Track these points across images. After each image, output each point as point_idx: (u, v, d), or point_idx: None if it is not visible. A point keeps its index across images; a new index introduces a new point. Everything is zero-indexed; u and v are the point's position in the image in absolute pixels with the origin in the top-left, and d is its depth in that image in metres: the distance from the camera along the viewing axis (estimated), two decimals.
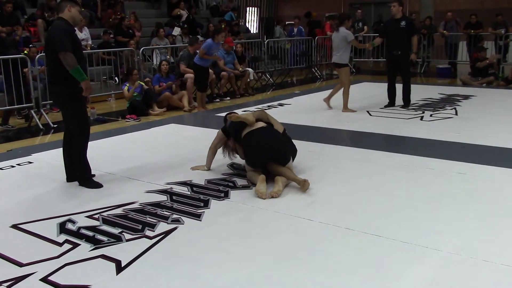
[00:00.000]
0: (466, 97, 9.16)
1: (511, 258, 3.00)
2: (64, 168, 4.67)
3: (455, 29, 13.39)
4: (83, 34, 10.28)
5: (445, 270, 2.90)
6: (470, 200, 4.01)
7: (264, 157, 4.43)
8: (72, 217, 3.79)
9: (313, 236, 3.40)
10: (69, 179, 4.65)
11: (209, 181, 4.58)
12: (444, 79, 12.41)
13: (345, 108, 7.93)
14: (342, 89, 7.99)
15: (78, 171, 4.59)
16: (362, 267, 2.95)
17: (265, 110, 5.30)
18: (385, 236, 3.33)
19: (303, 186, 4.23)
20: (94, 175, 4.66)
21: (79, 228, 3.59)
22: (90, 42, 10.33)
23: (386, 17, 10.17)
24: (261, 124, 4.61)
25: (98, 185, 4.54)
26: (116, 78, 10.03)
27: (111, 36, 10.74)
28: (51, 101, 8.07)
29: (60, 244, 3.33)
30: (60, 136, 6.81)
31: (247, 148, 4.54)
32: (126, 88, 8.26)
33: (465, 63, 13.18)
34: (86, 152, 4.61)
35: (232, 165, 5.04)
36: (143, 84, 8.52)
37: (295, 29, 14.24)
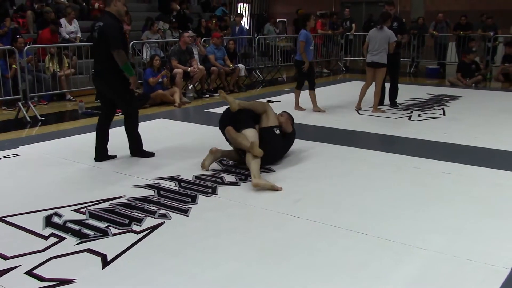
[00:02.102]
0: (454, 97, 9.24)
1: (495, 257, 3.04)
2: (96, 148, 5.03)
3: (445, 30, 13.48)
4: (72, 27, 10.17)
5: (430, 268, 2.93)
6: (455, 199, 4.05)
7: (221, 123, 4.98)
8: (59, 210, 3.77)
9: (300, 233, 3.42)
10: (98, 159, 5.01)
11: (197, 177, 4.58)
12: (433, 79, 12.50)
13: (375, 108, 7.81)
14: (365, 89, 7.93)
15: (136, 145, 5.14)
16: (348, 265, 2.97)
17: (267, 103, 5.23)
18: (371, 234, 3.36)
19: (252, 149, 4.37)
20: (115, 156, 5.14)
21: (65, 221, 3.58)
22: (79, 35, 10.22)
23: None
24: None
25: (151, 154, 5.19)
26: None
27: None
28: (39, 94, 8.05)
29: (46, 238, 3.32)
30: (47, 129, 6.79)
31: None
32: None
33: (453, 64, 13.28)
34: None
35: (220, 161, 5.04)
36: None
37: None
